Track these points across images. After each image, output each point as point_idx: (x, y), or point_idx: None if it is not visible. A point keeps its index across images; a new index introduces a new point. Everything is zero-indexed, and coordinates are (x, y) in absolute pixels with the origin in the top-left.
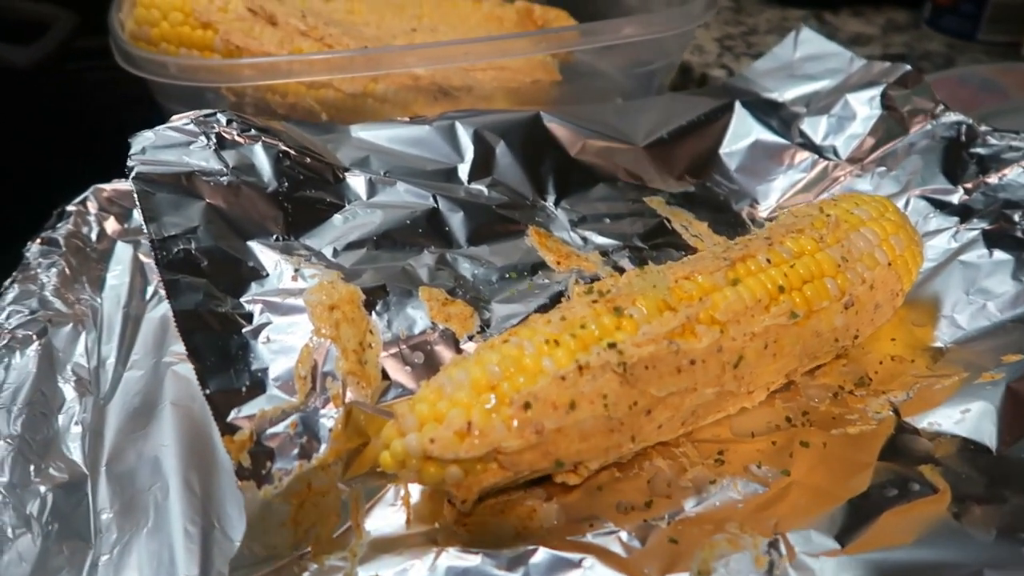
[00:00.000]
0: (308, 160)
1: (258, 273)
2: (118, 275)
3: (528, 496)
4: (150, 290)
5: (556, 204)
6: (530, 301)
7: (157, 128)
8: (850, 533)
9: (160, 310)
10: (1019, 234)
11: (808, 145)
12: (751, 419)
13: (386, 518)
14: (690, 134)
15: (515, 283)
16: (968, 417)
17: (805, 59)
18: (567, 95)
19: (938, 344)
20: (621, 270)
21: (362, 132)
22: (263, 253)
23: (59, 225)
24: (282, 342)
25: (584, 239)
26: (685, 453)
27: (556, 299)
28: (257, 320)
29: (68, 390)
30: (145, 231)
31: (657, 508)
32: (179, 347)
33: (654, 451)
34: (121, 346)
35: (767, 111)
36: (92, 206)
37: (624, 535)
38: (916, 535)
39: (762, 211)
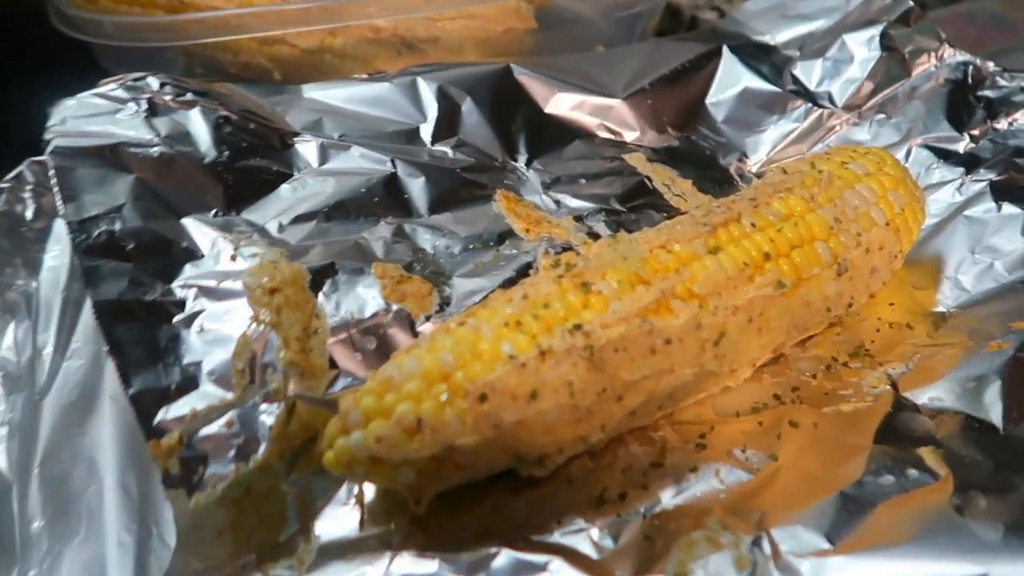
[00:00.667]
0: (252, 126)
1: (193, 254)
2: (56, 256)
3: (492, 490)
4: None
5: (528, 165)
6: (495, 275)
7: (80, 95)
8: (841, 529)
9: None
10: None
11: (801, 92)
12: (736, 397)
13: (338, 519)
14: (674, 83)
15: (479, 254)
16: (972, 391)
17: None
18: (543, 44)
19: (940, 309)
20: (596, 236)
21: (315, 92)
22: (199, 231)
23: None
24: (218, 331)
25: (557, 202)
26: (664, 437)
27: (524, 271)
28: (190, 307)
29: None
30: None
31: (632, 501)
32: None
33: (630, 436)
34: (60, 334)
35: (758, 56)
36: (27, 181)
37: (595, 533)
38: (914, 532)
39: (752, 165)
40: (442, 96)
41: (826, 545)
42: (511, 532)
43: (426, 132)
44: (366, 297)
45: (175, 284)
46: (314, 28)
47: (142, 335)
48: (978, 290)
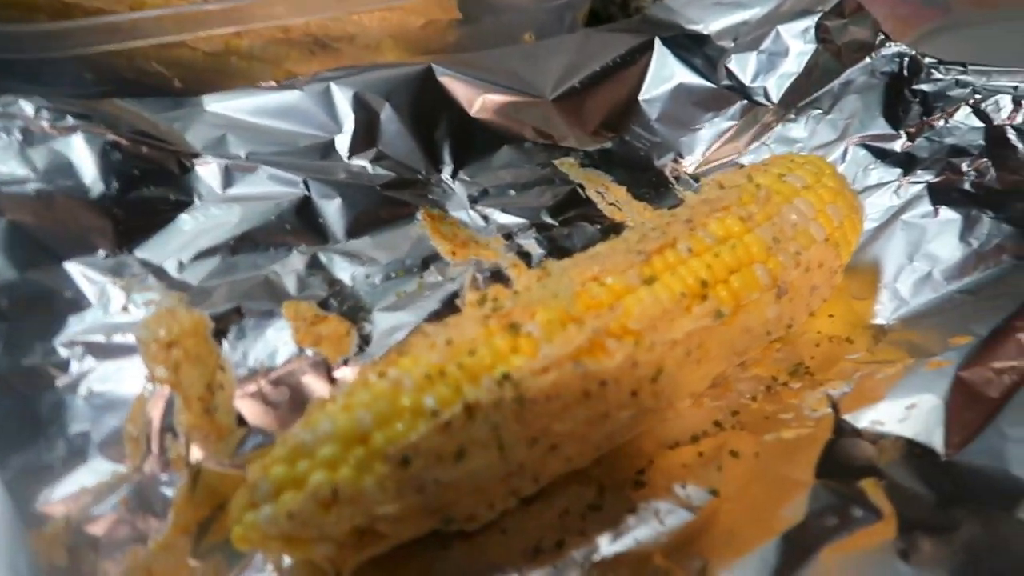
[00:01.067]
0: (145, 149)
1: (77, 305)
2: None
3: (420, 547)
4: None
5: (453, 176)
6: (419, 307)
7: None
8: None
9: None
10: (967, 187)
11: (736, 88)
12: (675, 425)
13: None
14: (605, 80)
15: (402, 283)
16: (913, 414)
17: None
18: (468, 36)
19: (880, 321)
20: (527, 255)
21: (217, 105)
22: (85, 278)
23: None
24: (108, 394)
25: (485, 218)
26: (602, 476)
27: (450, 302)
28: (75, 369)
29: None
30: None
31: (569, 548)
32: None
33: (568, 481)
34: None
35: (691, 48)
36: None
37: None
38: None
39: (687, 166)
40: (358, 104)
41: None
42: None
43: (342, 144)
44: (277, 343)
45: (57, 343)
46: (217, 32)
47: (20, 406)
48: (916, 301)
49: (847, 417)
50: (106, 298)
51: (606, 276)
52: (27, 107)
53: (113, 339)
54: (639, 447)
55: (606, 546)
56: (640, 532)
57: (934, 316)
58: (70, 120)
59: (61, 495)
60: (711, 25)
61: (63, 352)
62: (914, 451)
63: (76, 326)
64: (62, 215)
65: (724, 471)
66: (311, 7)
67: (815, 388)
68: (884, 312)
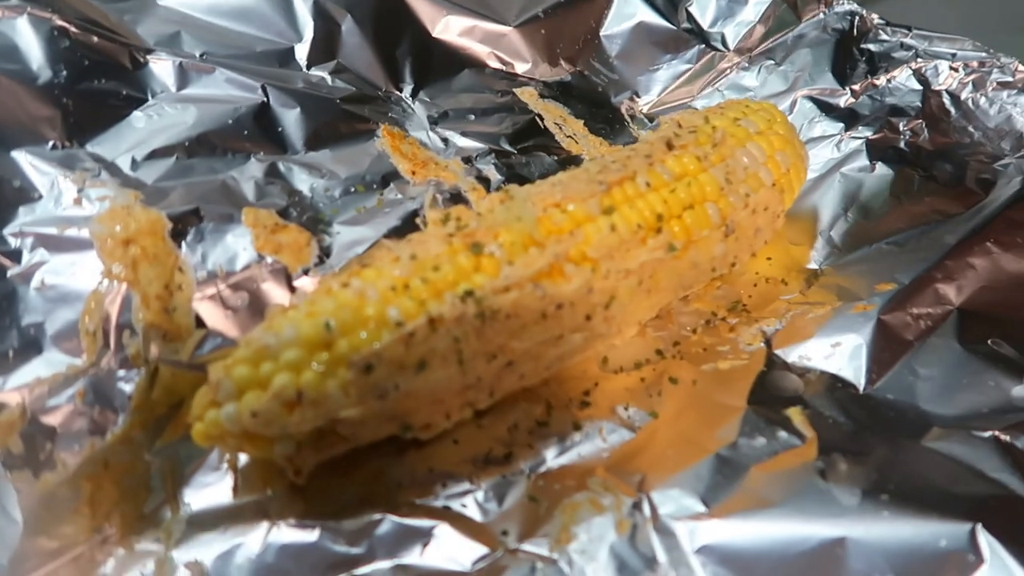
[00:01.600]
0: (95, 39)
1: (28, 195)
2: None
3: (374, 454)
4: None
5: (413, 96)
6: (379, 223)
7: None
8: (716, 492)
9: None
10: (902, 145)
11: (695, 31)
12: (620, 352)
13: (209, 487)
14: (568, 11)
15: (362, 198)
16: (838, 352)
17: None
18: None
19: (813, 266)
20: (486, 180)
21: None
22: (34, 168)
23: None
24: (63, 287)
25: (445, 140)
26: (550, 395)
27: (410, 220)
28: (27, 259)
29: None
30: None
31: (517, 460)
32: None
33: (515, 393)
34: None
35: None
36: None
37: (481, 495)
38: (782, 496)
39: (643, 105)
40: (319, 13)
41: (702, 508)
42: (395, 497)
43: (301, 53)
44: (236, 248)
45: (7, 231)
46: None
47: None
48: (848, 249)
49: (778, 352)
50: (57, 190)
51: (568, 203)
52: None
53: (66, 233)
54: (585, 370)
55: (552, 459)
56: (584, 448)
57: (863, 264)
58: (14, 2)
59: (15, 384)
60: None
61: (13, 242)
62: (836, 384)
63: (26, 216)
64: (8, 100)
65: (664, 396)
66: None
67: (751, 324)
68: (818, 257)
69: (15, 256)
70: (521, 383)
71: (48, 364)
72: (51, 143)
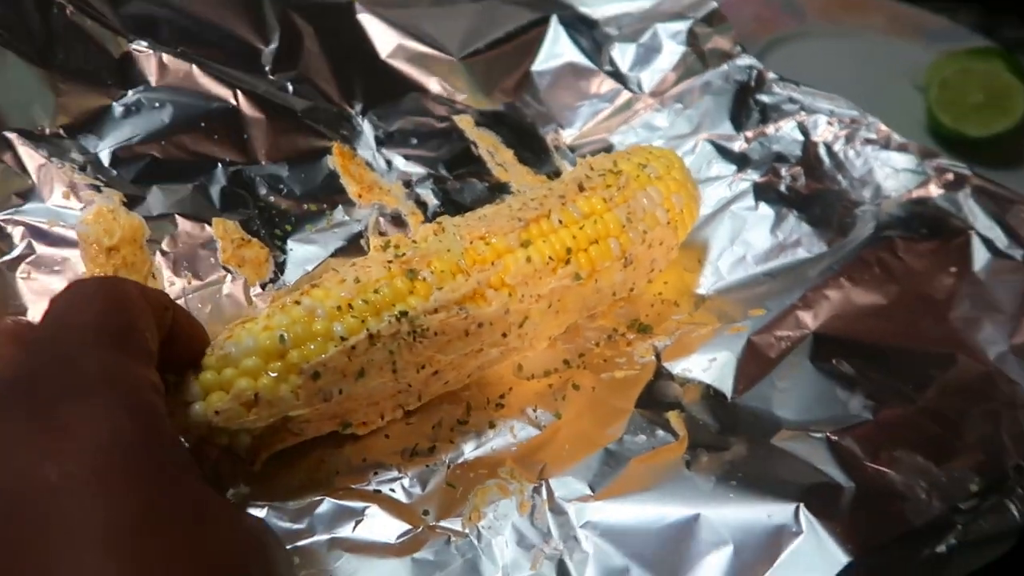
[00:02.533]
0: (88, 22)
1: (22, 182)
2: None
3: (317, 445)
4: None
5: (363, 114)
6: (328, 243)
7: None
8: (602, 480)
9: None
10: (783, 189)
11: (615, 74)
12: (532, 361)
13: None
14: (505, 47)
15: (314, 217)
16: (714, 365)
17: None
18: None
19: (701, 291)
20: (424, 205)
21: None
22: (27, 152)
23: None
24: (47, 282)
25: (389, 162)
26: (470, 397)
27: (355, 240)
28: (17, 248)
29: None
30: None
31: (439, 453)
32: None
33: (440, 396)
34: None
35: (581, 30)
36: None
37: (407, 481)
38: (653, 482)
39: (566, 137)
40: (286, 21)
41: (588, 492)
42: (333, 482)
43: (267, 58)
44: (205, 258)
45: (2, 219)
46: None
47: None
48: (731, 277)
49: (666, 364)
50: (49, 179)
51: (491, 237)
52: None
53: (55, 228)
54: (501, 377)
55: (469, 452)
56: (496, 442)
57: (741, 291)
58: None
59: None
60: (600, 9)
61: (6, 228)
62: (710, 392)
63: (18, 203)
64: (10, 76)
65: (567, 400)
66: None
67: (645, 340)
68: (706, 283)
69: (7, 245)
70: (445, 388)
71: None
72: (41, 127)
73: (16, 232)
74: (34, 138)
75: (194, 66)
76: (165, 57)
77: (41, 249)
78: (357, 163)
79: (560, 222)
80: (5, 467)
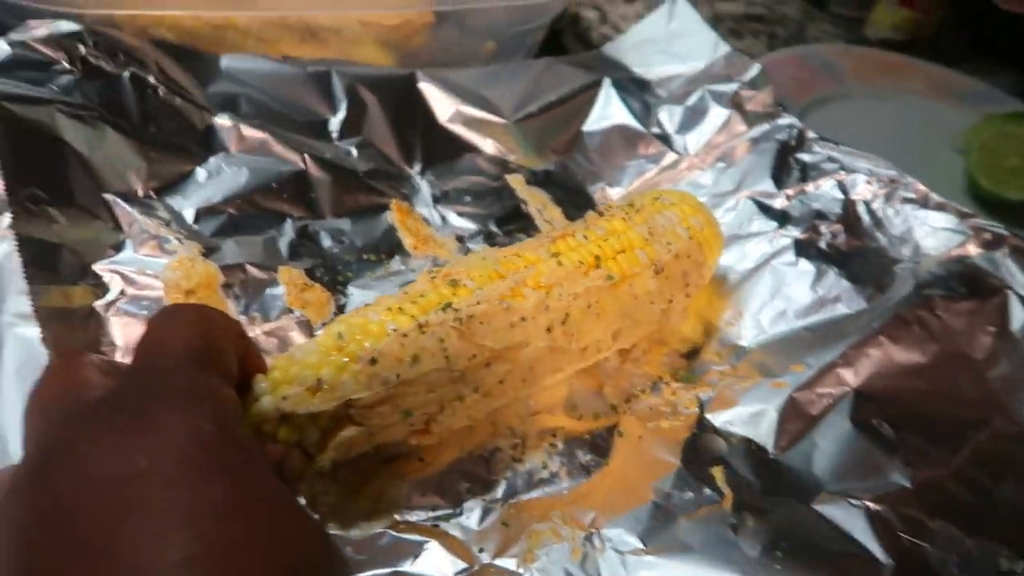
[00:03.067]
0: (178, 101)
1: (116, 237)
2: None
3: (377, 476)
4: None
5: (422, 174)
6: (385, 289)
7: (11, 37)
8: (652, 534)
9: None
10: (823, 245)
11: (663, 136)
12: (585, 404)
13: None
14: (558, 109)
15: (373, 267)
16: (756, 420)
17: (676, 34)
18: (436, 40)
19: (743, 343)
20: None
21: (233, 64)
22: (122, 211)
23: None
24: (135, 321)
25: (443, 218)
26: (524, 433)
27: None
28: (111, 292)
29: None
30: None
31: (494, 490)
32: (20, 305)
33: (498, 433)
34: None
35: (632, 92)
36: None
37: (463, 518)
38: (701, 543)
39: (613, 195)
40: (352, 94)
41: (640, 546)
42: (394, 516)
43: (334, 126)
44: (272, 301)
45: (98, 267)
46: (221, 13)
47: (69, 320)
48: (772, 331)
49: (709, 416)
50: (140, 234)
51: (523, 252)
52: (88, 38)
53: (144, 276)
54: (553, 415)
55: (522, 492)
56: (549, 486)
57: (783, 345)
58: (121, 57)
59: None
60: (653, 70)
61: (104, 276)
62: (752, 448)
63: (114, 255)
64: (110, 149)
65: (615, 446)
66: (310, 3)
67: (689, 391)
68: (748, 336)
69: (103, 290)
70: (502, 391)
71: None
72: (136, 190)
73: (111, 279)
74: (128, 199)
75: (268, 135)
76: (243, 128)
77: (131, 292)
78: (414, 218)
79: (585, 237)
80: (100, 457)
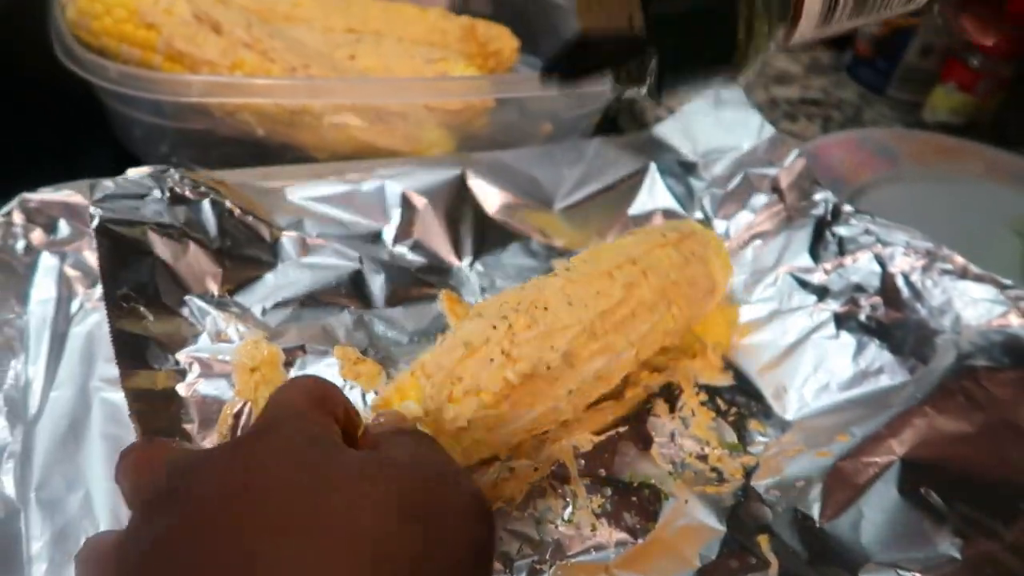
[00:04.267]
0: (249, 219)
1: (195, 329)
2: (43, 289)
3: None
4: (75, 304)
5: (471, 266)
6: None
7: (117, 179)
8: None
9: (86, 325)
10: (863, 318)
11: (704, 221)
12: (636, 465)
13: None
14: (604, 195)
15: (421, 347)
16: (801, 489)
17: (722, 116)
18: (495, 122)
19: (788, 416)
20: None
21: (298, 193)
22: (200, 309)
23: None
24: (210, 398)
25: None
26: (574, 493)
27: None
28: (190, 377)
29: (0, 421)
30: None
31: (543, 551)
32: (106, 371)
33: (550, 489)
34: (48, 366)
35: (677, 175)
36: (18, 217)
37: None
38: None
39: None
40: (405, 202)
41: None
42: None
43: (388, 234)
44: (327, 374)
45: (180, 355)
46: (298, 101)
47: (154, 397)
48: (815, 404)
49: (755, 484)
50: (213, 328)
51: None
52: (175, 174)
53: (217, 360)
54: (602, 476)
55: (571, 555)
56: (598, 550)
57: (827, 417)
58: (202, 188)
59: None
60: (698, 152)
61: (183, 363)
62: (798, 517)
63: (192, 345)
64: (191, 260)
65: (662, 511)
66: (375, 94)
67: (735, 458)
68: (792, 409)
69: (183, 374)
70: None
71: None
72: (212, 292)
73: (189, 365)
74: (206, 300)
75: (328, 244)
76: (307, 239)
77: (206, 375)
78: (463, 306)
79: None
80: (233, 469)
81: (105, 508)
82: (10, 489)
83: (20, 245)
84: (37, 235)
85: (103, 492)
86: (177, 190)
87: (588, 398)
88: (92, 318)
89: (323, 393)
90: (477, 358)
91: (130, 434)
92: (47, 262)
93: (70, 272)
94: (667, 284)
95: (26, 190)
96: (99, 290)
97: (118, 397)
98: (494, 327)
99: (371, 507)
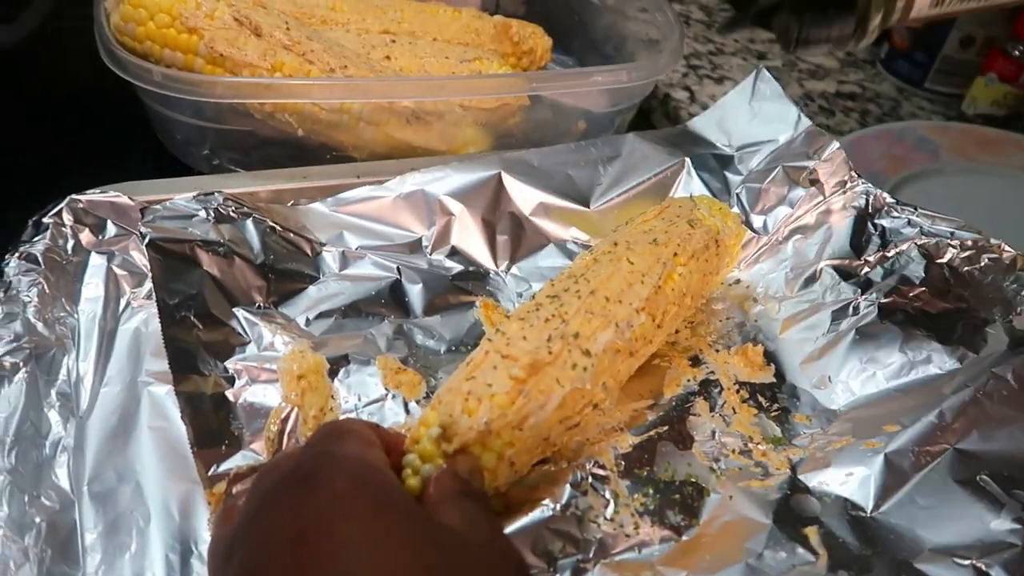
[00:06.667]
0: (291, 235)
1: (242, 340)
2: (92, 288)
3: None
4: (123, 302)
5: (507, 271)
6: None
7: (165, 202)
8: None
9: (133, 322)
10: (909, 309)
11: (741, 215)
12: (677, 463)
13: None
14: (639, 190)
15: (460, 356)
16: (850, 480)
17: (758, 109)
18: (530, 120)
19: (834, 407)
20: None
21: (338, 208)
22: (247, 320)
23: (36, 239)
24: (257, 405)
25: None
26: (615, 493)
27: None
28: (238, 384)
29: (53, 415)
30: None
31: (586, 550)
32: (154, 366)
33: (591, 490)
34: (97, 362)
35: (714, 171)
36: (67, 218)
37: None
38: None
39: None
40: (441, 208)
41: None
42: None
43: (426, 242)
44: (371, 383)
45: (228, 364)
46: (336, 101)
47: (204, 404)
48: (862, 394)
49: (801, 477)
50: (259, 338)
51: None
52: (219, 197)
53: (264, 367)
54: (644, 475)
55: (615, 553)
56: (641, 546)
57: (874, 407)
58: (245, 208)
59: (224, 468)
60: (734, 145)
61: (232, 371)
62: (847, 508)
63: (240, 354)
64: (237, 273)
65: (706, 507)
66: (413, 93)
67: (780, 452)
68: (838, 400)
69: (231, 381)
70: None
71: (244, 458)
72: (257, 304)
73: (237, 372)
74: (252, 311)
75: (368, 256)
76: (347, 252)
77: (254, 383)
78: (500, 312)
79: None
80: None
81: (155, 499)
82: (65, 482)
83: (70, 245)
84: (86, 235)
85: (153, 483)
86: (221, 211)
87: (616, 375)
88: (139, 316)
89: (371, 434)
90: (481, 369)
91: (180, 431)
92: (95, 261)
93: (118, 271)
94: (654, 247)
95: (73, 191)
96: (146, 288)
97: (164, 391)
98: (490, 340)
99: (422, 570)
